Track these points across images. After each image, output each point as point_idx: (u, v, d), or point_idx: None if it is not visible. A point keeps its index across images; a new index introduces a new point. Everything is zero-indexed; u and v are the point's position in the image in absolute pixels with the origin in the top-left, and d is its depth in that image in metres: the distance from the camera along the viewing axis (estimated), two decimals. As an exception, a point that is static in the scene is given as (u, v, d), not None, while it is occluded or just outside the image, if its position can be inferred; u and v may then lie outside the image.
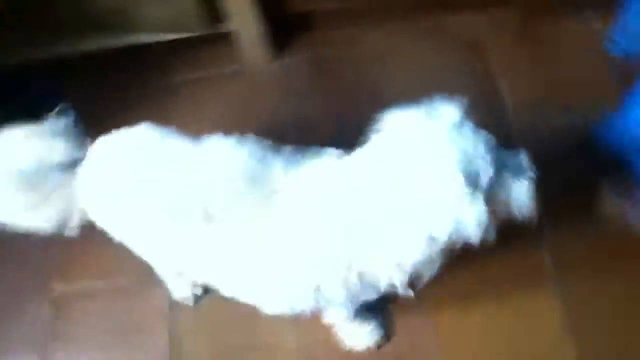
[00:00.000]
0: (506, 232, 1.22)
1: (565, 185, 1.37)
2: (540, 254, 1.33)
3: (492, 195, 0.81)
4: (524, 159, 0.86)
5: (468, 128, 0.81)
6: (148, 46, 1.59)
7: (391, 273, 0.87)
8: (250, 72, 1.67)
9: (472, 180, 0.78)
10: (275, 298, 0.97)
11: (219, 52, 1.65)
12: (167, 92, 1.64)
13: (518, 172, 0.85)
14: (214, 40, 1.60)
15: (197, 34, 1.57)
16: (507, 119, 1.50)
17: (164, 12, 1.50)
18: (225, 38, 1.59)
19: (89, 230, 1.03)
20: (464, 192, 0.77)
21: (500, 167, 0.82)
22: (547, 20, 1.62)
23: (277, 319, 1.12)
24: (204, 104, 1.62)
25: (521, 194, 0.84)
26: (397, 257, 0.84)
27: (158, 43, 1.59)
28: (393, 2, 1.59)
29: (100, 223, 1.01)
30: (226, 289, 1.00)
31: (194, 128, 1.01)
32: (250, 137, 0.96)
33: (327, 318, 1.23)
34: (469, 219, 0.79)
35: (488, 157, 0.80)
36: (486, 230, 0.81)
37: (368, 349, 1.27)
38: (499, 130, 1.42)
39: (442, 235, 0.80)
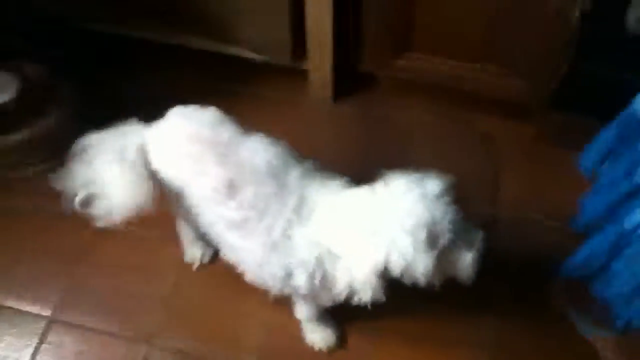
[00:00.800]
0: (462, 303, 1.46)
1: (526, 274, 1.63)
2: (485, 331, 1.57)
3: (443, 254, 1.08)
4: (478, 236, 1.12)
5: (443, 200, 1.08)
6: (235, 57, 1.92)
7: (347, 282, 1.12)
8: (312, 107, 1.99)
9: (431, 239, 1.05)
10: (255, 272, 1.26)
11: (292, 82, 1.97)
12: (237, 98, 1.91)
13: (470, 245, 1.11)
14: (292, 70, 1.92)
15: (280, 63, 1.89)
16: (496, 206, 1.78)
17: (260, 37, 1.82)
18: (301, 73, 1.92)
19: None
20: (423, 245, 1.05)
21: (457, 236, 1.09)
22: (555, 146, 1.88)
23: (260, 301, 1.44)
24: (263, 116, 1.84)
25: (466, 261, 1.11)
26: (357, 270, 1.10)
27: (243, 58, 1.92)
28: (438, 92, 1.88)
29: (161, 176, 1.30)
30: (225, 251, 1.31)
31: (247, 127, 1.30)
32: (284, 143, 1.27)
33: (295, 313, 1.49)
34: (419, 266, 1.06)
35: (450, 227, 1.06)
36: (431, 279, 1.09)
37: (320, 349, 1.52)
38: (485, 213, 1.71)
39: (396, 268, 1.07)
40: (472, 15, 1.61)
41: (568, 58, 1.57)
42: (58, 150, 1.79)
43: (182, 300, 1.63)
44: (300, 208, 1.16)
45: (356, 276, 1.10)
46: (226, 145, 1.24)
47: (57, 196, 1.81)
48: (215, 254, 1.63)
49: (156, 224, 1.69)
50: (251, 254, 1.23)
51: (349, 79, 1.94)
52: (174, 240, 1.65)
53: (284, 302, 1.48)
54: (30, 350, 1.55)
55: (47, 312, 1.61)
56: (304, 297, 1.33)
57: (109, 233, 1.71)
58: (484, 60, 1.73)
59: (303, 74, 1.92)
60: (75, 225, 1.71)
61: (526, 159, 1.89)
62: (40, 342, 1.56)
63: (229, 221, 1.22)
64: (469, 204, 1.71)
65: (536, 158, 1.89)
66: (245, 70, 1.98)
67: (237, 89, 2.00)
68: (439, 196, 1.09)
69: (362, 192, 1.16)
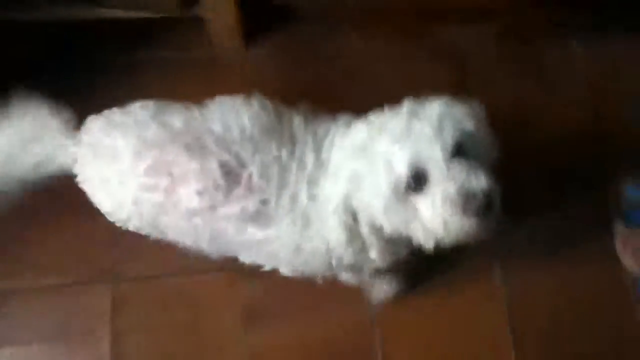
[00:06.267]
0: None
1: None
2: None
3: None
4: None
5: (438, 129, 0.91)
6: (116, 21, 1.50)
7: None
8: (220, 58, 1.61)
9: (417, 178, 0.85)
10: (292, 260, 1.01)
11: (189, 35, 1.57)
12: (133, 69, 1.56)
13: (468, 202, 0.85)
14: (185, 23, 1.52)
15: (167, 15, 1.48)
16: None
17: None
18: (196, 22, 1.51)
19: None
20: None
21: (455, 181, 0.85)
22: (528, 40, 1.62)
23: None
24: (170, 85, 1.55)
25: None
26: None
27: (126, 19, 1.49)
28: (378, 5, 1.53)
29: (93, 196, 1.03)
30: (244, 255, 1.04)
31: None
32: (258, 97, 1.01)
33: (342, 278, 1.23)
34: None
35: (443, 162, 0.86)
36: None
37: (387, 299, 1.35)
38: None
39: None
40: None
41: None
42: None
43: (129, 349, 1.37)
44: (318, 161, 0.95)
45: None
46: (186, 133, 0.96)
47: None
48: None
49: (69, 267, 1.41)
50: (281, 241, 0.97)
51: (258, 18, 1.56)
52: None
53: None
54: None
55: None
56: (352, 268, 1.08)
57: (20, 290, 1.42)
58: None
59: (199, 24, 1.52)
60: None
61: (497, 65, 1.62)
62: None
63: (239, 219, 0.95)
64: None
65: (508, 61, 1.62)
66: (129, 36, 1.57)
67: (128, 59, 1.58)
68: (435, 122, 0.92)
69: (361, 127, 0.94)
